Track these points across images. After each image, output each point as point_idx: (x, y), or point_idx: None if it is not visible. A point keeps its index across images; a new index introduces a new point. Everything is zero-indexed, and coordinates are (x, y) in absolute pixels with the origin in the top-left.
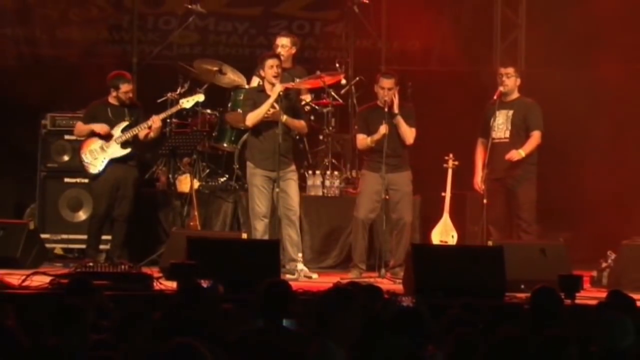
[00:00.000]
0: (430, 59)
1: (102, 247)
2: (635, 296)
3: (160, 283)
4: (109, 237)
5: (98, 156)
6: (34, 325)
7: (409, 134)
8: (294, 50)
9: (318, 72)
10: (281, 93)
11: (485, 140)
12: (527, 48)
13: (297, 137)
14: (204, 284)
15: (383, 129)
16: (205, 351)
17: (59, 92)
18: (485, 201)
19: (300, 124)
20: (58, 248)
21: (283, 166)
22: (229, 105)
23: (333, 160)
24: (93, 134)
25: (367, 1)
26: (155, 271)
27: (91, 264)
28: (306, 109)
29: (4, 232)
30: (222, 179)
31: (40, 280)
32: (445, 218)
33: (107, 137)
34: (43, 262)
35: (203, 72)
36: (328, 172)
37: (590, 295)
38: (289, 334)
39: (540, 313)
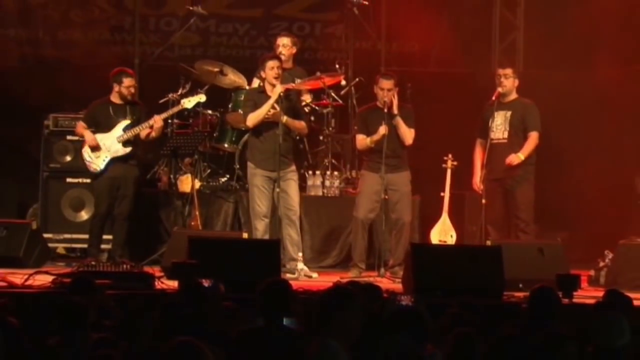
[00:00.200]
0: (429, 60)
1: (103, 246)
2: (632, 295)
3: (162, 282)
4: (110, 237)
5: (100, 155)
6: (36, 324)
7: (408, 134)
8: (294, 50)
9: (318, 73)
10: (281, 94)
11: (484, 140)
12: (525, 49)
13: (298, 137)
14: (205, 283)
15: (382, 129)
16: (206, 350)
17: (61, 93)
18: (483, 201)
19: (301, 124)
20: (60, 247)
21: (283, 166)
22: (230, 106)
23: (333, 161)
24: (95, 133)
25: (366, 3)
26: (156, 270)
27: (93, 263)
28: (306, 110)
29: (6, 231)
30: (223, 179)
31: (42, 280)
32: (444, 218)
33: (95, 148)
34: (45, 262)
35: (204, 73)
36: (328, 172)
37: (587, 295)
38: (289, 332)
39: (539, 312)
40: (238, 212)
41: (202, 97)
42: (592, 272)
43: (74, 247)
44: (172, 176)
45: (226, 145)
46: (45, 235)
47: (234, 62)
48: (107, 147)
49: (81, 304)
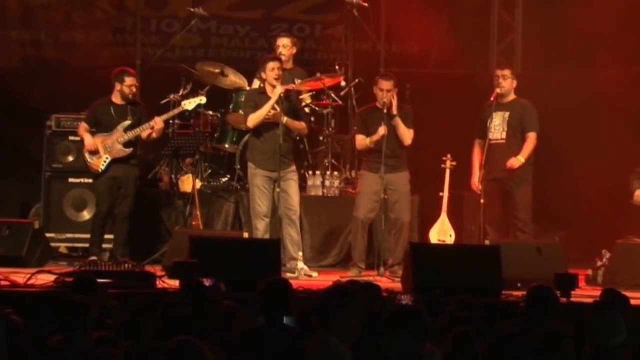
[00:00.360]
0: (428, 61)
1: (105, 246)
2: (629, 294)
3: (163, 281)
4: (111, 236)
5: (100, 155)
6: (38, 323)
7: (407, 135)
8: (294, 50)
9: (318, 74)
10: (282, 95)
11: (482, 141)
12: (523, 50)
13: (298, 138)
14: (206, 282)
15: (382, 130)
16: (206, 349)
17: (63, 94)
18: (482, 201)
19: (301, 125)
20: (62, 247)
21: (283, 166)
22: (231, 106)
23: (333, 161)
24: (96, 133)
25: (366, 4)
26: (158, 270)
27: (95, 260)
28: (306, 110)
29: (9, 231)
30: (224, 179)
31: (45, 279)
32: (443, 217)
33: (94, 152)
34: (48, 261)
35: (205, 74)
36: (328, 172)
37: (585, 294)
38: (289, 331)
39: (537, 311)
40: (238, 211)
41: (202, 99)
42: (589, 272)
43: (75, 246)
44: (173, 176)
45: (227, 145)
46: (48, 235)
47: (235, 63)
48: (108, 147)
49: (82, 302)
